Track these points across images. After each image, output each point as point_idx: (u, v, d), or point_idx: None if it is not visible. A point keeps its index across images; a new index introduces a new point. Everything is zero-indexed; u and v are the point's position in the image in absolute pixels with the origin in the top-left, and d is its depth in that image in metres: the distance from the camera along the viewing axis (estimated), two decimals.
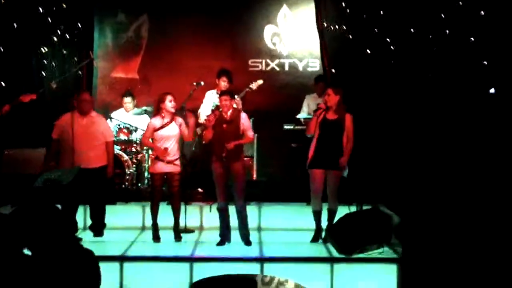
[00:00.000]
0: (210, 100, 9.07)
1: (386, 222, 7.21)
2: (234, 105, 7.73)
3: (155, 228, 7.76)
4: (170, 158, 7.63)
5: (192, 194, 8.67)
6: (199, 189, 8.85)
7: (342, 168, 7.55)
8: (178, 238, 7.74)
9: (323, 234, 7.73)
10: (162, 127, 7.64)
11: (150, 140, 7.76)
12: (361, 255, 7.02)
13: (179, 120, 7.75)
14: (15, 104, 7.85)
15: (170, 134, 7.65)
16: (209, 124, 7.53)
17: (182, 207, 7.88)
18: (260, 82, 8.99)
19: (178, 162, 7.70)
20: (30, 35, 9.77)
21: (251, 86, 8.95)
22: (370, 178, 8.32)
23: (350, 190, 7.94)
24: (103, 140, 7.81)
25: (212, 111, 8.10)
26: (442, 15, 9.52)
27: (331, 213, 7.65)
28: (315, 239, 7.70)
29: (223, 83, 8.85)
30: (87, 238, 7.60)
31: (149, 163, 9.10)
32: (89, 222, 8.02)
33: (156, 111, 7.77)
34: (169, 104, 7.62)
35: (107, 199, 8.13)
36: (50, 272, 3.36)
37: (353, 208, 7.77)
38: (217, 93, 8.86)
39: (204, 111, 9.03)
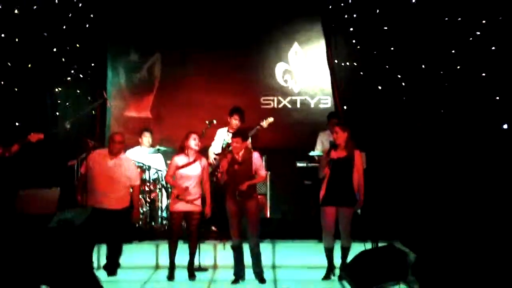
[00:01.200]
0: (221, 137, 9.08)
1: (402, 259, 7.14)
2: (246, 144, 7.74)
3: (171, 267, 7.71)
4: (190, 197, 7.63)
5: (206, 232, 8.61)
6: (213, 227, 8.80)
7: (355, 205, 7.53)
8: (192, 276, 7.69)
9: (336, 271, 7.65)
10: (185, 165, 7.65)
11: (173, 178, 7.76)
12: None
13: (204, 161, 7.77)
14: (23, 143, 7.90)
15: (192, 174, 7.66)
16: (223, 170, 7.55)
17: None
18: (271, 120, 8.99)
19: (198, 202, 7.69)
20: (44, 74, 9.89)
21: (261, 124, 8.94)
22: (385, 215, 8.28)
23: (365, 227, 7.89)
24: (128, 183, 7.83)
25: (223, 153, 8.14)
26: (453, 50, 9.56)
27: (344, 250, 7.60)
28: (327, 277, 7.63)
29: (235, 121, 8.87)
30: (101, 278, 7.54)
31: (163, 201, 9.12)
32: (103, 261, 7.97)
33: (180, 149, 7.78)
34: (193, 142, 7.66)
35: (125, 240, 8.11)
36: None
37: (368, 245, 7.70)
38: (228, 131, 8.90)
39: (214, 149, 9.05)
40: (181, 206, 7.64)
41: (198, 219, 7.70)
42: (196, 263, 7.86)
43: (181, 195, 7.59)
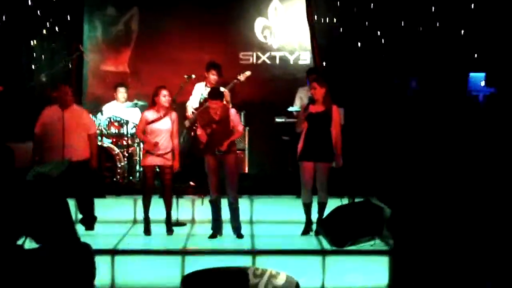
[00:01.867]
0: (199, 92, 9.04)
1: (377, 214, 7.24)
2: (224, 102, 7.71)
3: (146, 222, 7.75)
4: (161, 151, 7.62)
5: (184, 187, 8.63)
6: (191, 182, 8.82)
7: (333, 160, 7.56)
8: (170, 231, 7.73)
9: (314, 226, 7.73)
10: (155, 120, 7.62)
11: (143, 133, 7.73)
12: (353, 248, 7.04)
13: (174, 115, 7.74)
14: None
15: (162, 128, 7.63)
16: (202, 139, 7.54)
17: (174, 200, 7.89)
18: (248, 73, 8.96)
19: (169, 156, 7.68)
20: (19, 28, 9.71)
21: (239, 77, 8.91)
22: (362, 171, 8.34)
23: (342, 182, 7.96)
24: (86, 132, 7.76)
25: (200, 103, 8.12)
26: (433, 8, 9.54)
27: (322, 206, 7.65)
28: (305, 232, 7.70)
29: (212, 76, 8.84)
30: (80, 232, 7.55)
31: (141, 156, 9.09)
32: (79, 216, 7.97)
33: (151, 104, 7.74)
34: (163, 98, 7.61)
35: (95, 192, 8.08)
36: (49, 264, 3.35)
37: (345, 201, 7.78)
38: (206, 86, 8.86)
39: (192, 103, 9.02)
40: (152, 160, 7.64)
41: (171, 173, 7.69)
42: (173, 217, 7.90)
43: (151, 150, 7.57)
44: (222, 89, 8.23)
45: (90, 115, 8.36)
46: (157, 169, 7.75)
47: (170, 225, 7.78)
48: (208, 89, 8.64)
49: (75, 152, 7.58)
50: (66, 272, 3.38)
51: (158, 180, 7.90)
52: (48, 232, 3.40)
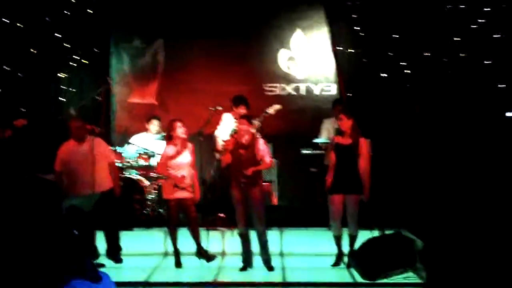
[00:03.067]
0: (227, 123, 9.06)
1: (409, 246, 7.21)
2: (252, 130, 7.74)
3: (176, 254, 7.76)
4: (183, 184, 7.67)
5: (214, 219, 8.64)
6: (220, 214, 8.82)
7: (362, 192, 7.58)
8: (210, 258, 7.71)
9: (345, 258, 7.72)
10: (176, 155, 7.68)
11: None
12: (385, 280, 7.01)
13: (191, 146, 7.80)
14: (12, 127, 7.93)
15: (184, 161, 7.69)
16: (227, 148, 7.57)
17: (205, 233, 7.89)
18: (278, 107, 8.84)
19: (190, 188, 7.71)
20: (47, 60, 9.85)
21: (268, 110, 8.82)
22: (392, 202, 8.33)
23: (372, 215, 7.95)
24: (105, 161, 7.78)
25: (231, 135, 8.15)
26: (456, 38, 9.58)
27: (352, 238, 7.66)
28: (336, 264, 7.70)
29: (242, 111, 8.82)
30: (109, 264, 7.61)
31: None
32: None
33: (168, 139, 7.79)
34: (179, 130, 7.67)
35: (122, 223, 8.12)
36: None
37: (375, 233, 7.77)
38: (235, 119, 8.89)
39: (221, 134, 9.04)
40: (175, 193, 7.67)
41: (194, 205, 7.73)
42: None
43: (180, 183, 7.61)
44: (254, 122, 8.28)
45: (111, 147, 8.45)
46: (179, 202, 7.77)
47: (205, 253, 7.75)
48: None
49: (101, 183, 7.63)
50: None
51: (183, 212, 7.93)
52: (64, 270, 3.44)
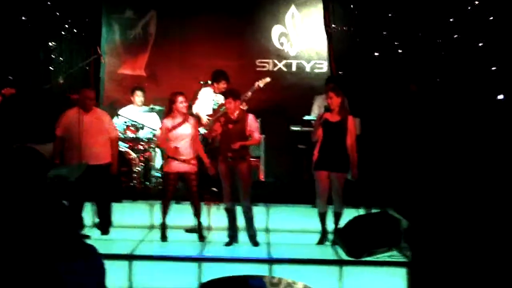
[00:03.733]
0: (208, 98, 8.99)
1: (395, 225, 7.22)
2: (242, 107, 7.72)
3: (163, 228, 7.74)
4: (185, 157, 7.62)
5: (202, 194, 8.61)
6: (213, 189, 8.77)
7: (348, 170, 7.56)
8: (202, 238, 7.73)
9: (329, 236, 7.72)
10: (174, 127, 7.62)
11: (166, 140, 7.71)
12: (370, 258, 7.03)
13: (192, 120, 7.76)
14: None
15: (183, 133, 7.63)
16: (215, 134, 7.54)
17: (189, 207, 7.85)
18: (267, 80, 8.87)
19: (194, 161, 7.68)
20: (37, 29, 9.74)
21: (258, 83, 8.82)
22: (379, 181, 8.32)
23: (359, 193, 7.95)
24: (107, 136, 7.78)
25: (216, 114, 8.14)
26: (451, 19, 9.51)
27: (337, 216, 7.65)
28: (321, 242, 7.71)
29: (223, 85, 8.87)
30: (95, 236, 7.59)
31: (155, 162, 9.13)
32: (96, 220, 7.99)
33: (168, 111, 7.74)
34: (180, 105, 7.62)
35: (113, 196, 8.09)
36: (52, 267, 3.36)
37: (361, 211, 7.78)
38: (214, 93, 8.86)
39: (201, 109, 8.98)
40: (176, 166, 7.63)
41: (196, 179, 7.69)
42: (190, 224, 7.89)
43: (175, 155, 7.58)
44: (246, 94, 8.24)
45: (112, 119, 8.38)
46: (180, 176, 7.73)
47: (202, 232, 7.77)
48: (219, 96, 8.67)
49: (95, 156, 7.61)
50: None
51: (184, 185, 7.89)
52: (50, 236, 3.42)
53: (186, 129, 7.65)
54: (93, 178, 7.50)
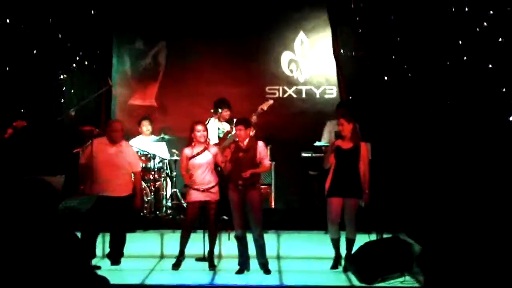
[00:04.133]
0: (214, 127, 9.01)
1: (407, 250, 7.16)
2: (251, 133, 7.73)
3: (181, 255, 7.72)
4: (205, 186, 7.65)
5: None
6: (225, 217, 8.75)
7: (361, 196, 7.53)
8: (212, 266, 7.71)
9: (342, 262, 7.67)
10: (194, 156, 7.66)
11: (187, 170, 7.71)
12: (382, 284, 6.96)
13: (213, 149, 7.78)
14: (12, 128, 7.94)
15: (202, 162, 7.66)
16: (226, 159, 7.53)
17: (201, 235, 7.84)
18: (271, 102, 8.75)
19: (214, 190, 7.70)
20: (49, 61, 9.84)
21: (262, 107, 8.68)
22: (390, 206, 8.26)
23: (370, 218, 7.89)
24: (129, 169, 7.84)
25: (223, 142, 8.17)
26: (460, 41, 9.49)
27: (350, 242, 7.62)
28: (334, 267, 7.66)
29: (225, 113, 8.90)
30: (105, 267, 7.59)
31: (167, 189, 9.16)
32: (106, 250, 7.99)
33: (189, 141, 7.78)
34: (198, 134, 7.66)
35: (128, 228, 8.11)
36: None
37: (373, 237, 7.72)
38: (220, 121, 8.87)
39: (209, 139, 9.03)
40: (197, 196, 7.65)
41: (216, 208, 7.71)
42: (200, 252, 7.86)
43: (190, 183, 7.61)
44: (251, 118, 8.25)
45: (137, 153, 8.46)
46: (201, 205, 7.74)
47: (213, 259, 7.76)
48: (223, 124, 8.69)
49: (117, 188, 7.66)
50: None
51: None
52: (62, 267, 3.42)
53: (205, 157, 7.68)
54: (111, 209, 7.53)
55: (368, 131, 8.85)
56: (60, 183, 7.80)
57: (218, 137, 8.89)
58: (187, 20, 10.71)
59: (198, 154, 7.67)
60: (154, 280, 7.22)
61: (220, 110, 8.93)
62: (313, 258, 8.08)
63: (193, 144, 7.70)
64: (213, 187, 7.68)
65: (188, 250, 7.77)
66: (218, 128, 8.96)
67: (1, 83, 9.36)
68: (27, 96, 9.56)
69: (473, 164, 8.38)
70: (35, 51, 9.72)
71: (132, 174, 7.90)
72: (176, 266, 7.68)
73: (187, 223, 7.75)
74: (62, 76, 10.07)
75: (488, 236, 6.76)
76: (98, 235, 7.79)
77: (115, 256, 7.86)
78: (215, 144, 8.80)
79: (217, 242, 7.95)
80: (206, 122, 8.62)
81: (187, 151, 7.72)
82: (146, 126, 9.65)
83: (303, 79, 10.89)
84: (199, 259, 7.88)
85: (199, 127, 7.68)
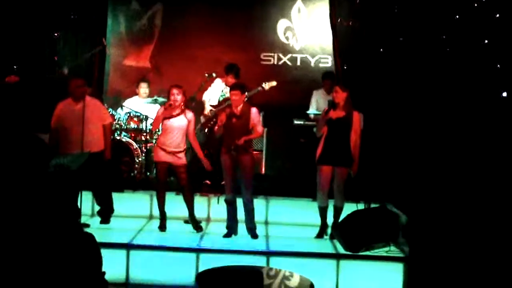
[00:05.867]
0: (218, 88, 9.02)
1: (393, 220, 7.22)
2: (245, 99, 7.73)
3: (162, 217, 7.78)
4: (172, 149, 7.65)
5: (199, 185, 8.64)
6: (207, 181, 8.82)
7: (351, 165, 7.56)
8: (198, 228, 7.76)
9: (329, 230, 7.73)
10: (168, 117, 7.64)
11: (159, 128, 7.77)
12: (367, 253, 7.03)
13: (190, 115, 7.74)
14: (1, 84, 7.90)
15: (174, 125, 7.64)
16: (220, 124, 7.53)
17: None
18: (274, 83, 8.73)
19: (181, 155, 7.70)
20: (43, 19, 9.76)
21: (263, 85, 8.69)
22: (378, 176, 8.31)
23: (358, 187, 7.94)
24: (100, 123, 7.78)
25: (220, 106, 8.15)
26: (457, 16, 9.48)
27: (337, 210, 7.66)
28: (320, 235, 7.72)
29: (231, 80, 8.83)
30: (94, 225, 7.63)
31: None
32: (97, 208, 8.02)
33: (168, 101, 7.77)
34: (172, 97, 7.63)
35: (113, 185, 8.12)
36: (50, 255, 3.38)
37: (361, 206, 7.77)
38: (226, 86, 8.86)
39: (209, 99, 9.02)
40: (163, 156, 7.66)
41: (185, 173, 7.69)
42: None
43: (162, 145, 7.63)
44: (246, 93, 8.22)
45: (106, 106, 8.44)
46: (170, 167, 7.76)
47: (196, 222, 7.79)
48: (228, 89, 8.67)
49: (92, 144, 7.61)
50: (69, 262, 3.41)
51: (174, 177, 7.93)
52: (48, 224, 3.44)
53: (178, 122, 7.66)
54: (89, 166, 7.49)
55: (360, 102, 8.86)
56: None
57: (218, 100, 8.89)
58: None
59: (172, 116, 7.64)
60: (142, 241, 7.26)
61: (226, 74, 8.85)
62: (301, 225, 8.13)
63: (170, 105, 7.66)
64: (179, 152, 7.67)
65: (176, 212, 7.82)
66: (222, 90, 8.94)
67: None
68: (20, 53, 9.49)
69: (462, 138, 8.43)
70: (29, 8, 9.63)
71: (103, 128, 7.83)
72: (162, 228, 7.74)
73: (159, 184, 7.78)
74: (56, 34, 9.99)
75: (473, 208, 6.83)
76: (79, 194, 7.72)
77: (104, 213, 7.88)
78: (213, 106, 8.83)
79: (206, 205, 8.00)
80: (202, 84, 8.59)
81: (160, 110, 7.73)
82: (144, 89, 9.64)
83: (299, 47, 10.87)
84: (187, 221, 7.93)
85: (175, 91, 7.63)
